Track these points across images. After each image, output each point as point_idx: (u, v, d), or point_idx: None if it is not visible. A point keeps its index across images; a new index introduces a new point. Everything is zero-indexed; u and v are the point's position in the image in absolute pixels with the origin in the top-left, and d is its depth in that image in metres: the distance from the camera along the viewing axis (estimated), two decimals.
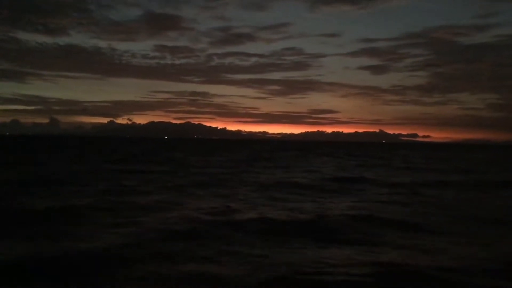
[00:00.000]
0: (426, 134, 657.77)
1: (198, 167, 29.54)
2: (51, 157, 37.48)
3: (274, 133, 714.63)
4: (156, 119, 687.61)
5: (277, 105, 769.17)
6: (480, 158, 56.32)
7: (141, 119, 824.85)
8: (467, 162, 45.94)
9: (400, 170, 30.65)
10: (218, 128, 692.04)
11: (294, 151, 73.03)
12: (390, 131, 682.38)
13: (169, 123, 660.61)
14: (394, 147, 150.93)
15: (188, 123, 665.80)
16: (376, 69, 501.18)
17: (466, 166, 36.76)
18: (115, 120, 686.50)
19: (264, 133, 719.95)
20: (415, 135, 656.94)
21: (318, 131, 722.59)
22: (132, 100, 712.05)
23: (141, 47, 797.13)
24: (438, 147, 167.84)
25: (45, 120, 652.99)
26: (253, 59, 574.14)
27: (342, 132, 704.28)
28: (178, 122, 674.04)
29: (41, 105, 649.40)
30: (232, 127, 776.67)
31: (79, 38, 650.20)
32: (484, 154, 74.01)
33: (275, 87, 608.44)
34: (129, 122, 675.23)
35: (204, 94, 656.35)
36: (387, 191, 17.71)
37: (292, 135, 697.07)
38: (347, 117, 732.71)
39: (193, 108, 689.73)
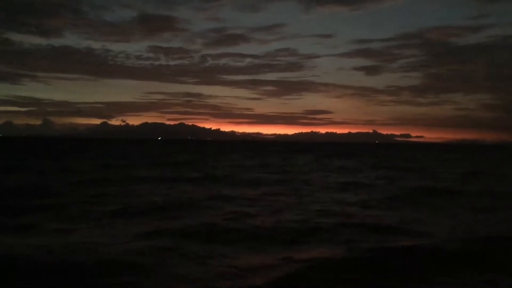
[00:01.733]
0: (419, 134, 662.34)
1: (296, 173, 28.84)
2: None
3: (268, 134, 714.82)
4: (150, 120, 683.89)
5: (272, 105, 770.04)
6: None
7: (134, 120, 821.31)
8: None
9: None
10: (212, 129, 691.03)
11: (311, 152, 72.97)
12: (384, 131, 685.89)
13: (163, 124, 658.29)
14: (388, 147, 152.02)
15: (182, 124, 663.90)
16: (370, 70, 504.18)
17: None
18: (108, 122, 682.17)
19: (258, 134, 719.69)
20: (408, 135, 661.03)
21: (312, 131, 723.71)
22: (126, 101, 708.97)
23: (135, 48, 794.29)
24: (436, 147, 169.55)
25: (38, 122, 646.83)
26: (248, 60, 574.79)
27: (335, 132, 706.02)
28: (172, 123, 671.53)
29: (35, 107, 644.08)
30: (226, 128, 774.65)
31: (73, 40, 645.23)
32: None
33: (270, 87, 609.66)
34: (123, 123, 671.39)
35: (198, 95, 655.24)
36: None
37: (286, 135, 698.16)
38: (341, 117, 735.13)
39: (187, 109, 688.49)
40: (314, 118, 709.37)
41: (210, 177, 24.42)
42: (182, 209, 13.39)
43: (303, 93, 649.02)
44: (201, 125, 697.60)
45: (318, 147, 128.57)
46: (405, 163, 44.84)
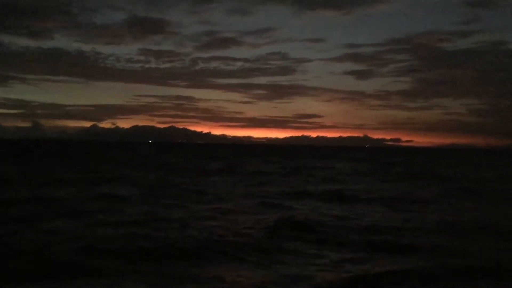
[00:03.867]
0: (409, 138, 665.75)
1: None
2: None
3: (259, 138, 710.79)
4: (140, 123, 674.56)
5: (262, 109, 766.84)
6: None
7: (124, 123, 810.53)
8: None
9: None
10: (203, 132, 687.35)
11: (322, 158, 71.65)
12: (374, 135, 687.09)
13: (153, 127, 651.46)
14: (379, 151, 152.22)
15: (172, 127, 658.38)
16: (360, 74, 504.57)
17: None
18: (98, 124, 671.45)
19: (249, 137, 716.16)
20: (399, 140, 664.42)
21: (302, 135, 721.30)
22: (116, 104, 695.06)
23: (125, 51, 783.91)
24: (424, 151, 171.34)
25: (27, 124, 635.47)
26: (239, 64, 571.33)
27: (326, 136, 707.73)
28: (162, 126, 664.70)
29: (24, 109, 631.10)
30: (217, 131, 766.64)
31: (63, 42, 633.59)
32: None
33: (261, 91, 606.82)
34: (113, 126, 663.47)
35: (189, 98, 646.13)
36: None
37: (276, 139, 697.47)
38: (332, 121, 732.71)
39: (178, 112, 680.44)
40: (305, 122, 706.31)
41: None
42: None
43: (294, 97, 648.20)
44: (192, 128, 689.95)
45: (326, 152, 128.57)
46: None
